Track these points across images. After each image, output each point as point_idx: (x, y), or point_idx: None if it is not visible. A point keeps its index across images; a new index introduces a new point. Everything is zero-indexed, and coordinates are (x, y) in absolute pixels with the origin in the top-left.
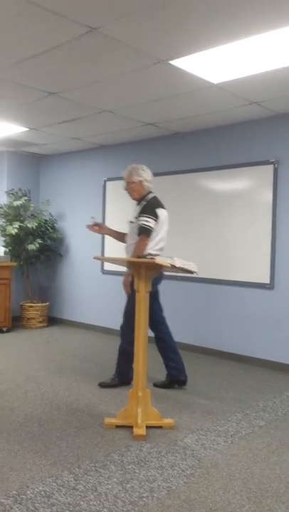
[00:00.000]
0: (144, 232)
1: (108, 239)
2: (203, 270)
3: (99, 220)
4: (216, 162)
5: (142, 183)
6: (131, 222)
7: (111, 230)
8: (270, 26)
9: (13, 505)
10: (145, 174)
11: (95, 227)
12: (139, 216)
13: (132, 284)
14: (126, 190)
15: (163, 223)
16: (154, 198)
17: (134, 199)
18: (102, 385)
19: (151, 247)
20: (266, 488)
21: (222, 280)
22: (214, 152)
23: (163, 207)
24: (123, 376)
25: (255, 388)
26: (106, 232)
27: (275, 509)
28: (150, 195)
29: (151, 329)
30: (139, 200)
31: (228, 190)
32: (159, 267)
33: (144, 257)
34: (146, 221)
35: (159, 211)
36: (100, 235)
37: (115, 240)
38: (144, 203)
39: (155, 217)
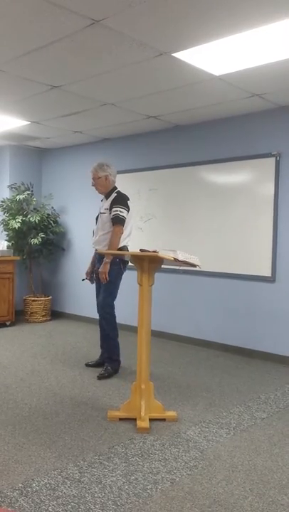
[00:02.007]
0: (119, 222)
1: None
2: (205, 263)
3: (87, 276)
4: (217, 155)
5: (108, 178)
6: (102, 213)
7: (92, 264)
8: (272, 18)
9: (19, 498)
10: (110, 170)
11: (90, 278)
12: (112, 207)
13: (109, 273)
14: (93, 185)
15: (131, 216)
16: (121, 191)
17: (100, 193)
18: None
19: (123, 238)
20: (268, 479)
21: (224, 273)
22: (216, 145)
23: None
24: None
25: (257, 381)
26: (92, 262)
27: (278, 500)
28: (117, 189)
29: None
30: (106, 194)
31: (230, 183)
32: (162, 260)
33: (121, 248)
34: (120, 211)
35: (129, 204)
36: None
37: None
38: (114, 195)
39: (127, 208)
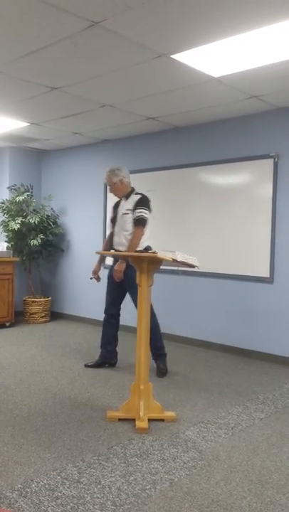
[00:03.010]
0: (143, 223)
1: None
2: (204, 264)
3: (94, 275)
4: (216, 156)
5: (123, 181)
6: (125, 214)
7: (98, 263)
8: (270, 20)
9: (18, 499)
10: (122, 173)
11: (96, 277)
12: (136, 208)
13: (125, 271)
14: (111, 192)
15: (150, 218)
16: (143, 192)
17: (119, 197)
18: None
19: (145, 238)
20: (267, 479)
21: (222, 274)
22: (214, 146)
23: None
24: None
25: (255, 381)
26: (100, 263)
27: (276, 500)
28: (136, 190)
29: (117, 308)
30: (126, 196)
31: (229, 184)
32: (161, 261)
33: (145, 248)
34: (145, 213)
35: (151, 206)
36: (101, 230)
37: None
38: (137, 196)
39: (150, 210)
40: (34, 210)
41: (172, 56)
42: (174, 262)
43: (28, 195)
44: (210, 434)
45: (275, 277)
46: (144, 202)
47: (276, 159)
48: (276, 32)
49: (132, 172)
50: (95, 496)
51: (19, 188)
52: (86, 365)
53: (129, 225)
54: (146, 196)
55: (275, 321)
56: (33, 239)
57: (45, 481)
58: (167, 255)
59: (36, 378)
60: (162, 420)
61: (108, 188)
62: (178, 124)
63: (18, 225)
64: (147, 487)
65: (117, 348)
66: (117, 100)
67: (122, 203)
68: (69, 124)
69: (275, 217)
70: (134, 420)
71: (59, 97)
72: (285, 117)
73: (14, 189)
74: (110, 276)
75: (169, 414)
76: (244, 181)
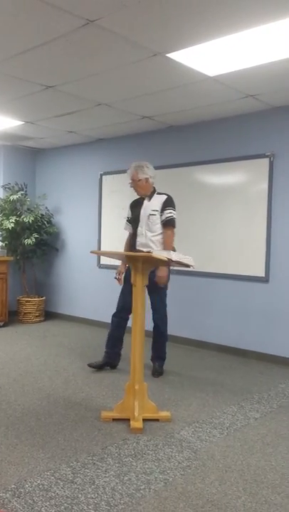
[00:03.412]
0: (173, 225)
1: (104, 233)
2: (199, 264)
3: (119, 276)
4: (211, 155)
5: (148, 180)
6: (151, 214)
7: (124, 264)
8: (266, 19)
9: (12, 499)
10: (150, 171)
11: (120, 279)
12: (165, 209)
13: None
14: (132, 187)
15: None
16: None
17: (139, 195)
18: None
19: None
20: (262, 479)
21: (218, 274)
22: (210, 145)
23: None
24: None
25: (250, 381)
26: (125, 264)
27: (271, 500)
28: (157, 190)
29: (128, 312)
30: (149, 196)
31: (224, 183)
32: (156, 261)
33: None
34: (174, 213)
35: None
36: (96, 229)
37: (112, 235)
38: (162, 196)
39: (175, 210)
40: (28, 209)
41: (168, 55)
42: (169, 261)
43: (22, 194)
44: (205, 434)
45: (271, 277)
46: (171, 202)
47: (272, 159)
48: (272, 31)
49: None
50: (89, 496)
51: (13, 186)
52: (90, 365)
53: (157, 227)
54: (171, 196)
55: (271, 321)
56: (27, 238)
57: (38, 482)
58: (162, 254)
59: (30, 378)
60: (157, 420)
61: (130, 183)
62: (173, 123)
63: (12, 224)
64: (142, 487)
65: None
66: (112, 99)
67: (146, 203)
68: (64, 122)
69: (271, 217)
70: (128, 420)
71: (54, 95)
72: (281, 117)
73: (8, 188)
74: (127, 279)
75: (164, 414)
76: (240, 181)
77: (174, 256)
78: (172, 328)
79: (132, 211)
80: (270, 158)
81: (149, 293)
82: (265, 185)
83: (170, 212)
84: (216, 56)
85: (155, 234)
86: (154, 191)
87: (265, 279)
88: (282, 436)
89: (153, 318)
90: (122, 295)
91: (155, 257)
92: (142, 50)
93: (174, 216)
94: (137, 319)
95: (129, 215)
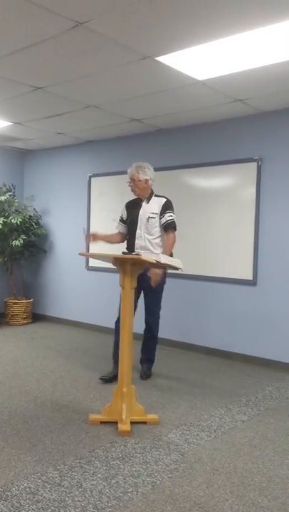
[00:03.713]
0: (174, 228)
1: None
2: (187, 267)
3: (88, 234)
4: (200, 159)
5: (148, 182)
6: (150, 217)
7: (104, 235)
8: (255, 24)
9: None
10: (150, 173)
11: (89, 237)
12: (165, 212)
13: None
14: (130, 187)
15: None
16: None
17: (136, 195)
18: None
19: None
20: (249, 482)
21: (206, 276)
22: (198, 149)
23: None
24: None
25: (238, 383)
26: (100, 238)
27: (258, 502)
28: (154, 192)
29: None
30: (147, 198)
31: (212, 187)
32: (144, 263)
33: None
34: (174, 216)
35: None
36: (84, 232)
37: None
38: (162, 199)
39: (174, 214)
40: (16, 211)
41: (157, 58)
42: (158, 264)
43: (10, 195)
44: (192, 437)
45: (259, 280)
46: (170, 205)
47: (260, 163)
48: (261, 36)
49: (116, 173)
50: (76, 499)
51: (1, 188)
52: (102, 378)
53: (155, 230)
54: (169, 199)
55: (258, 324)
56: (15, 239)
57: (25, 485)
58: (151, 257)
59: (17, 381)
60: (145, 423)
61: (128, 182)
62: (162, 126)
63: None
64: (129, 490)
65: (95, 351)
66: (101, 101)
67: (144, 205)
68: (53, 124)
69: (259, 220)
70: (116, 423)
71: (43, 96)
72: (269, 121)
73: None
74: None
75: (152, 416)
76: (228, 184)
77: (163, 258)
78: (160, 331)
79: (128, 212)
80: (258, 162)
81: (145, 295)
82: (253, 189)
83: (170, 216)
84: (205, 60)
85: (154, 237)
86: (152, 193)
87: (252, 282)
88: (269, 439)
89: (146, 321)
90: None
91: (144, 260)
92: (131, 53)
93: (174, 220)
94: (125, 322)
95: (124, 216)
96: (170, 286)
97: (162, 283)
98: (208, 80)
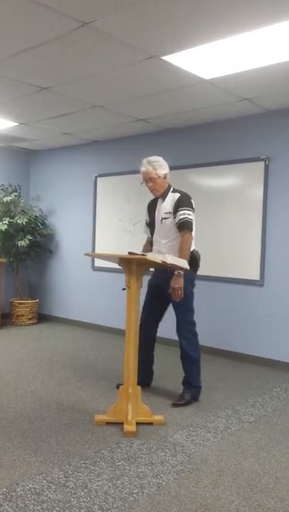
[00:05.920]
0: (189, 227)
1: (99, 235)
2: None
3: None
4: (207, 158)
5: (166, 177)
6: (164, 218)
7: (142, 251)
8: (262, 23)
9: (3, 503)
10: (167, 167)
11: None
12: (178, 210)
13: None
14: (149, 186)
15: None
16: (181, 189)
17: (156, 195)
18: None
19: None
20: (255, 483)
21: (213, 277)
22: (205, 148)
23: None
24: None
25: (244, 384)
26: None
27: (265, 504)
28: (172, 187)
29: (154, 326)
30: (163, 196)
31: (220, 186)
32: (150, 264)
33: (192, 253)
34: (189, 214)
35: (193, 204)
36: (90, 231)
37: (106, 237)
38: (176, 194)
39: (193, 209)
40: (22, 211)
41: (163, 58)
42: (164, 264)
43: (15, 196)
44: (198, 438)
45: (266, 280)
46: (185, 201)
47: (267, 162)
48: (268, 35)
49: (122, 173)
50: (81, 500)
51: (7, 188)
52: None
53: (170, 232)
54: (186, 193)
55: (266, 324)
56: (21, 240)
57: (30, 485)
58: (157, 257)
59: (23, 381)
60: (150, 424)
61: (145, 182)
62: (168, 125)
63: (5, 226)
64: (135, 491)
65: (100, 351)
66: (107, 101)
67: (159, 204)
68: (58, 124)
69: (266, 220)
70: (122, 424)
71: (48, 97)
72: (276, 120)
73: (2, 189)
74: (152, 285)
75: (158, 417)
76: (235, 184)
77: (169, 259)
78: (166, 332)
79: (149, 215)
80: (265, 162)
81: (172, 303)
82: (260, 189)
83: (183, 213)
84: (212, 59)
85: (169, 240)
86: (168, 189)
87: (260, 283)
88: (276, 441)
89: (177, 336)
90: (144, 306)
91: (150, 260)
92: (137, 53)
93: (189, 217)
94: (130, 323)
95: (147, 219)
96: None
97: (188, 292)
98: (215, 79)
